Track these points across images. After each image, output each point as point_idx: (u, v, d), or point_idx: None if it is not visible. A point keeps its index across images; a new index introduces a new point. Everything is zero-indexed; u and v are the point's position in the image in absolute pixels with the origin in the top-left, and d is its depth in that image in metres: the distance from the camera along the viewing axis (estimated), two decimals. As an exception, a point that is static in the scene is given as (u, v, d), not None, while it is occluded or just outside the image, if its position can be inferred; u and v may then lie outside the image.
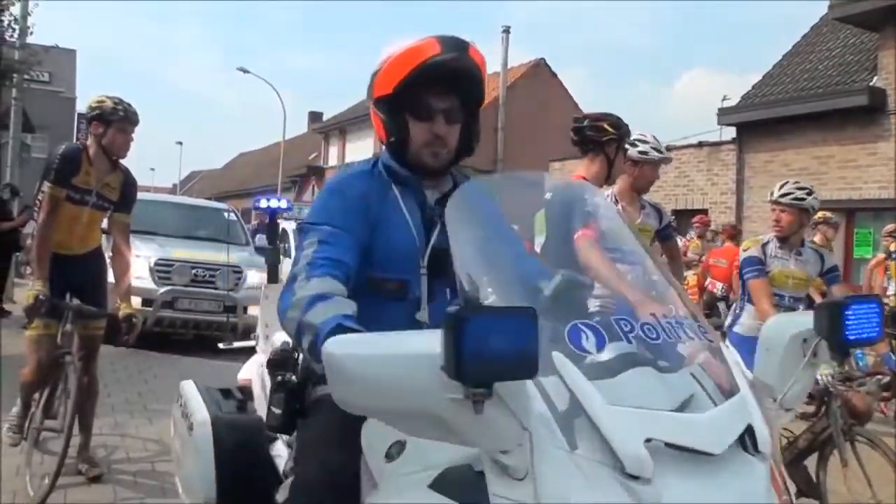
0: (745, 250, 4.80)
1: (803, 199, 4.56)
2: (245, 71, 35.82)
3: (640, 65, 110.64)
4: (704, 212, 16.34)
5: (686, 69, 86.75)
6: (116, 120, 4.54)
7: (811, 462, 4.38)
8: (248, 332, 10.24)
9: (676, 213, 17.11)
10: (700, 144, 18.22)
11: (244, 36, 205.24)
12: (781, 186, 4.66)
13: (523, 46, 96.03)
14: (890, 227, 10.14)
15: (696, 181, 17.99)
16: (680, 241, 12.92)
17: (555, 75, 30.74)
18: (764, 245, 4.72)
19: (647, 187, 4.73)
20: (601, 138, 3.80)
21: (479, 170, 26.71)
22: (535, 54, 40.01)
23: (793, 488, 4.27)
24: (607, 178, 3.88)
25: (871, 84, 14.79)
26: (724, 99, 17.70)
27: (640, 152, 4.54)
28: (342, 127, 34.65)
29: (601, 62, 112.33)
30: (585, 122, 3.80)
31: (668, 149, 18.51)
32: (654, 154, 4.60)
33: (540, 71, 30.33)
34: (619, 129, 3.83)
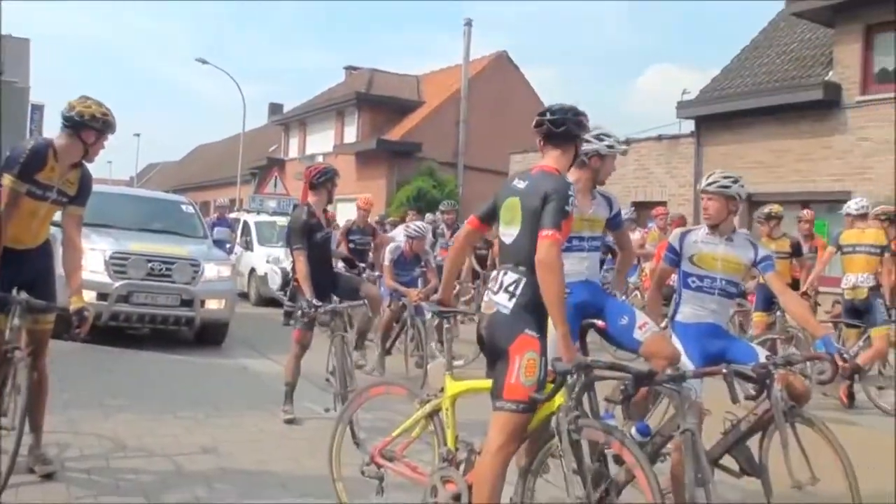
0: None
1: (729, 187, 4.69)
2: (204, 62, 35.45)
3: (605, 59, 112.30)
4: (663, 204, 16.48)
5: (650, 64, 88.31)
6: (107, 130, 4.57)
7: (753, 443, 4.48)
8: (205, 326, 10.17)
9: (636, 205, 17.24)
10: (659, 137, 18.38)
11: (207, 26, 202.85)
12: (709, 176, 4.81)
13: (487, 39, 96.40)
14: (805, 213, 10.43)
15: (655, 174, 18.15)
16: (639, 233, 13.10)
17: (517, 68, 30.76)
18: (685, 233, 4.86)
19: (606, 179, 4.82)
20: (580, 133, 3.85)
21: (440, 162, 26.81)
22: (500, 47, 40.03)
23: (736, 467, 4.45)
24: (569, 168, 3.90)
25: (826, 79, 15.01)
26: (684, 93, 17.87)
27: (608, 146, 4.70)
28: (302, 119, 34.40)
29: (566, 57, 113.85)
30: (568, 115, 3.77)
31: (628, 142, 18.84)
32: (619, 147, 4.75)
33: (502, 64, 30.34)
34: (589, 122, 3.90)
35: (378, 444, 4.23)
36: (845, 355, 4.50)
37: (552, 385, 3.47)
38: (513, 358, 3.51)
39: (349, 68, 37.06)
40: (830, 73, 15.13)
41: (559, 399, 3.49)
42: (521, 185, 3.73)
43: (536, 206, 3.56)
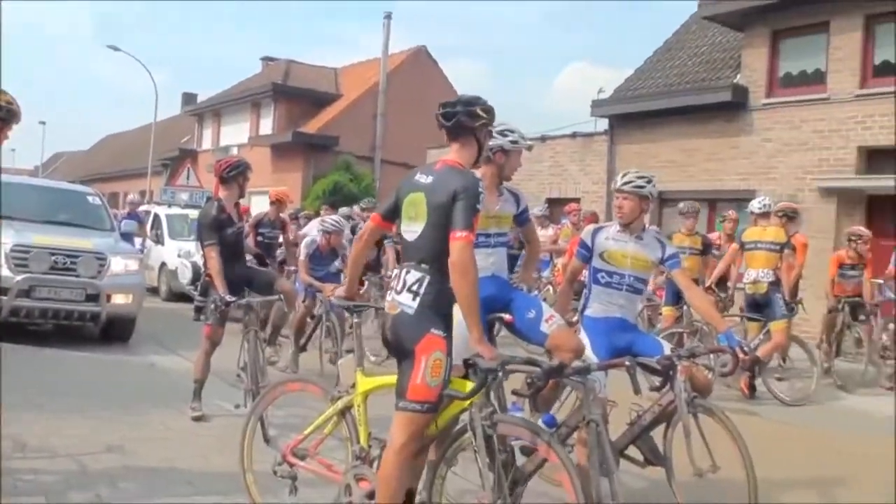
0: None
1: (643, 187, 4.83)
2: (116, 49, 34.47)
3: (524, 57, 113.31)
4: (577, 200, 16.75)
5: (568, 62, 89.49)
6: (11, 119, 4.41)
7: (658, 433, 4.61)
8: (112, 322, 9.88)
9: (550, 201, 17.50)
10: (574, 135, 18.65)
11: (118, 12, 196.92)
12: (623, 175, 4.93)
13: (406, 34, 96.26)
14: (730, 213, 10.78)
15: (569, 171, 18.42)
16: (552, 230, 13.28)
17: (436, 63, 30.81)
18: (597, 230, 4.98)
19: (512, 175, 4.85)
20: (474, 124, 3.72)
21: (357, 156, 26.65)
22: (419, 42, 39.99)
23: (641, 457, 4.57)
24: (475, 163, 3.85)
25: (734, 81, 15.45)
26: (600, 91, 18.16)
27: (512, 142, 4.69)
28: (217, 109, 33.74)
29: (485, 53, 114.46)
30: (458, 108, 3.70)
31: (544, 139, 18.98)
32: (523, 142, 4.75)
33: (421, 58, 30.34)
34: (490, 113, 3.78)
35: (290, 443, 4.17)
36: (745, 348, 4.66)
37: (471, 383, 3.45)
38: (419, 358, 3.46)
39: (266, 59, 36.56)
40: (738, 76, 15.58)
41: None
42: (425, 180, 3.65)
43: (443, 203, 3.50)
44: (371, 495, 3.68)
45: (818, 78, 14.28)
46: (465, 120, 3.70)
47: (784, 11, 14.48)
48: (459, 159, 3.70)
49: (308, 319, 9.06)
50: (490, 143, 4.56)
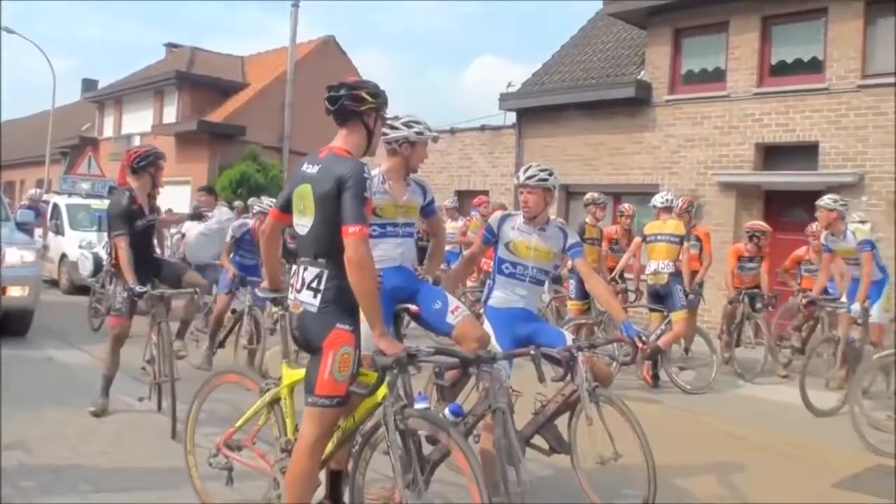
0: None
1: (546, 180, 4.93)
2: (10, 31, 33.02)
3: (435, 50, 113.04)
4: (486, 193, 16.85)
5: (477, 56, 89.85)
6: None
7: (562, 422, 4.70)
8: (7, 315, 9.46)
9: (459, 193, 17.57)
10: (483, 128, 18.75)
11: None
12: (526, 170, 5.00)
13: (315, 24, 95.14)
14: (626, 208, 10.97)
15: (478, 163, 18.53)
16: (461, 221, 13.34)
17: (345, 54, 30.53)
18: (505, 217, 5.06)
19: (418, 166, 4.85)
20: (360, 108, 3.59)
21: (265, 146, 26.24)
22: (329, 32, 39.43)
23: (546, 446, 4.64)
24: (367, 150, 3.74)
25: (638, 77, 15.77)
26: (509, 85, 18.27)
27: (417, 133, 4.67)
28: (118, 96, 32.70)
29: (395, 45, 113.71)
30: (342, 91, 3.57)
31: (453, 132, 18.98)
32: (429, 133, 4.76)
33: (329, 48, 30.01)
34: (378, 97, 3.65)
35: (223, 436, 4.13)
36: (644, 337, 4.77)
37: (374, 378, 3.44)
38: (326, 353, 3.42)
39: (170, 45, 35.60)
40: (642, 73, 15.91)
41: (383, 390, 3.46)
42: (311, 169, 3.54)
43: (329, 192, 3.40)
44: None
45: (718, 76, 14.68)
46: (350, 104, 3.58)
47: (686, 10, 14.83)
48: (346, 145, 3.59)
49: (228, 315, 8.74)
50: (395, 134, 4.55)
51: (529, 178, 4.92)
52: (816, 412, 7.65)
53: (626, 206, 11.19)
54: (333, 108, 3.60)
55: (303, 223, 3.55)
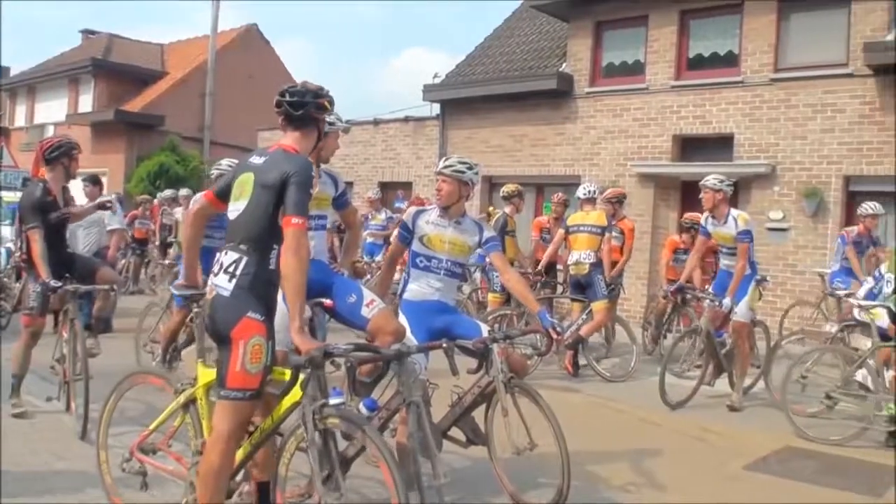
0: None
1: (463, 173, 4.95)
2: (-88, 15, 31.65)
3: (361, 39, 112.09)
4: (410, 184, 16.83)
5: (406, 46, 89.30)
6: None
7: (479, 414, 4.74)
8: None
9: (383, 185, 17.52)
10: (406, 119, 18.70)
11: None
12: (446, 160, 5.04)
13: (238, 12, 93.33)
14: (557, 196, 10.99)
15: (402, 155, 18.47)
16: (384, 213, 13.31)
17: (267, 43, 30.10)
18: (419, 213, 5.06)
19: (330, 157, 4.84)
20: (320, 115, 3.73)
21: (185, 136, 25.72)
22: (252, 20, 38.63)
23: (463, 438, 4.66)
24: (311, 152, 3.80)
25: (560, 70, 15.91)
26: (434, 76, 18.23)
27: (329, 123, 4.61)
28: (31, 84, 31.60)
29: (320, 34, 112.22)
30: (308, 98, 3.65)
31: (377, 123, 18.90)
32: (340, 124, 4.76)
33: (252, 37, 29.54)
34: (333, 105, 3.81)
35: (136, 439, 4.04)
36: (558, 328, 4.81)
37: (288, 376, 3.39)
38: (236, 343, 3.36)
39: (86, 32, 34.53)
40: (564, 65, 16.05)
41: (299, 390, 3.41)
42: (257, 160, 3.58)
43: (271, 182, 3.42)
44: None
45: (638, 69, 14.91)
46: (314, 111, 3.70)
47: (607, 4, 15.02)
48: (298, 146, 3.65)
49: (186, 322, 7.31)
50: None
51: (446, 167, 4.96)
52: (671, 404, 7.54)
53: (558, 195, 11.13)
54: (297, 113, 3.66)
55: (235, 207, 3.56)
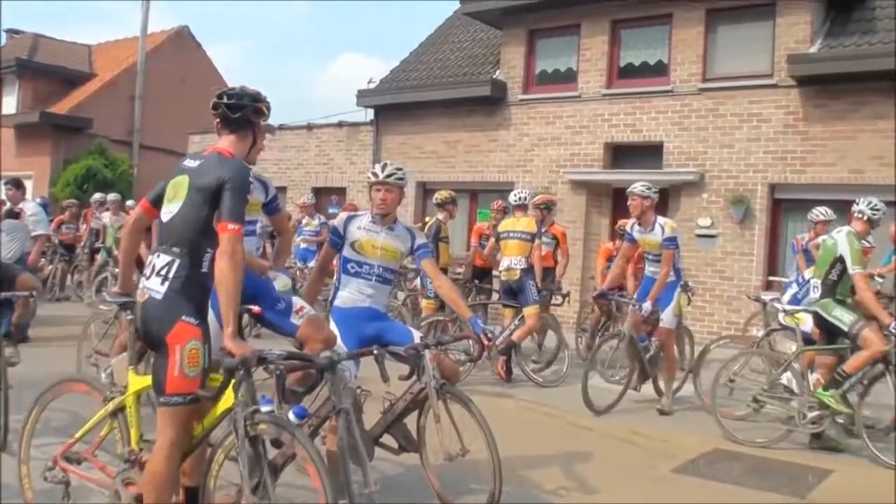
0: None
1: (403, 179, 5.01)
2: None
3: (296, 43, 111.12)
4: (343, 190, 16.74)
5: (341, 51, 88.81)
6: None
7: (411, 420, 4.74)
8: None
9: (316, 190, 17.38)
10: (340, 124, 18.58)
11: None
12: (384, 168, 5.02)
13: (169, 13, 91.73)
14: (497, 203, 10.99)
15: (335, 160, 18.36)
16: (318, 219, 13.20)
17: (199, 46, 29.65)
18: (350, 218, 5.05)
19: (256, 159, 4.75)
20: (258, 120, 3.73)
21: (113, 139, 25.18)
22: (183, 22, 38.10)
23: (395, 445, 4.65)
24: (247, 157, 3.77)
25: (494, 76, 16.00)
26: (369, 82, 18.16)
27: None
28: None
29: (254, 38, 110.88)
30: (246, 101, 3.65)
31: (310, 128, 18.68)
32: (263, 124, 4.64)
33: (183, 40, 29.04)
34: (270, 110, 3.81)
35: (61, 448, 3.94)
36: (489, 334, 4.83)
37: (219, 381, 3.33)
38: (173, 348, 3.32)
39: (11, 31, 33.53)
40: (498, 72, 16.15)
41: (230, 396, 3.37)
42: (191, 164, 3.56)
43: (206, 185, 3.40)
44: (140, 499, 3.51)
45: (570, 77, 15.07)
46: (252, 115, 3.70)
47: (540, 12, 15.14)
48: (233, 149, 3.63)
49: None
50: None
51: (389, 175, 4.95)
52: (595, 409, 7.54)
53: (498, 202, 11.03)
54: (235, 116, 3.64)
55: (169, 210, 3.52)
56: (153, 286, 3.41)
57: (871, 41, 12.12)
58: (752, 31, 13.16)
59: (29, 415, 4.12)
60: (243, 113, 3.65)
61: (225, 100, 3.65)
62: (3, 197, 10.40)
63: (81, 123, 25.04)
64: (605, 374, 8.55)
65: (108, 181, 22.48)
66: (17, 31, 33.01)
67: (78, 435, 3.93)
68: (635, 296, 8.15)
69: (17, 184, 9.75)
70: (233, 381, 3.32)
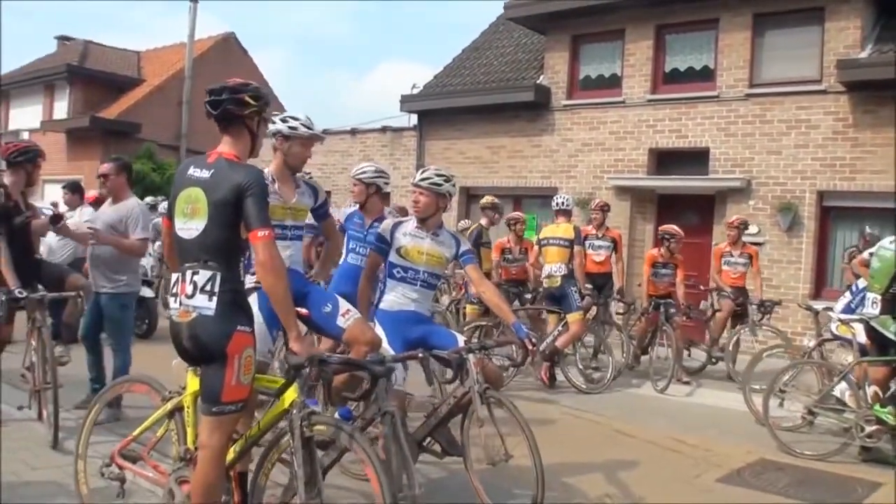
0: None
1: (440, 185, 4.97)
2: None
3: (339, 54, 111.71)
4: (387, 195, 16.75)
5: (383, 60, 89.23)
6: None
7: (455, 424, 4.74)
8: None
9: (361, 195, 17.41)
10: (384, 129, 18.69)
11: None
12: (423, 171, 5.04)
13: (215, 20, 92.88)
14: (514, 214, 10.86)
15: (379, 165, 18.39)
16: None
17: (245, 52, 30.02)
18: (396, 225, 5.05)
19: (299, 165, 4.78)
20: (243, 112, 3.51)
21: (161, 144, 25.56)
22: (229, 29, 38.46)
23: (439, 449, 4.64)
24: (251, 152, 3.67)
25: (537, 82, 15.97)
26: (413, 87, 18.23)
27: (291, 128, 4.62)
28: (6, 90, 31.27)
29: (298, 46, 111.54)
30: (224, 95, 3.47)
31: (354, 133, 18.75)
32: (304, 130, 4.65)
33: (230, 46, 29.45)
34: (260, 99, 3.57)
35: (118, 445, 4.00)
36: (534, 339, 4.83)
37: (280, 383, 3.38)
38: (232, 358, 3.32)
39: (62, 38, 34.27)
40: (542, 77, 16.13)
41: (291, 396, 3.41)
42: (201, 174, 3.42)
43: (226, 198, 3.33)
44: None
45: (615, 82, 14.99)
46: (233, 108, 3.50)
47: (583, 17, 15.08)
48: (234, 151, 3.52)
49: None
50: (270, 128, 4.45)
51: (423, 179, 4.98)
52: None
53: (517, 214, 10.71)
54: (216, 113, 3.51)
55: (191, 226, 3.41)
56: (200, 303, 3.34)
57: (923, 46, 11.90)
58: (800, 36, 12.97)
59: (89, 413, 4.19)
60: (222, 107, 3.48)
61: (206, 97, 3.52)
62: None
63: (130, 128, 25.50)
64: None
65: (156, 185, 22.82)
66: (68, 38, 33.70)
67: (136, 432, 3.99)
68: None
69: (74, 187, 9.81)
70: (297, 379, 3.37)
